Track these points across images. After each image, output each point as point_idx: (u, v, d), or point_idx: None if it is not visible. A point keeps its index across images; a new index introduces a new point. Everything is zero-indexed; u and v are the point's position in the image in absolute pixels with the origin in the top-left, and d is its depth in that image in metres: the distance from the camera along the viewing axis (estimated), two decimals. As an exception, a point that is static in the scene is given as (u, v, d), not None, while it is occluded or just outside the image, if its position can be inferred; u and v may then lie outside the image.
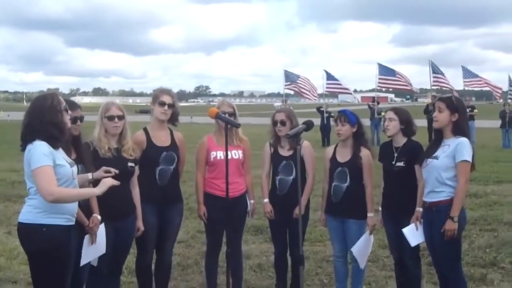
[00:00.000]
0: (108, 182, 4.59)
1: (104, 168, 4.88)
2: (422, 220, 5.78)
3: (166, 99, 6.01)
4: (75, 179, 4.59)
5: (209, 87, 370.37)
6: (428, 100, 35.84)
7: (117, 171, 4.87)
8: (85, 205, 4.99)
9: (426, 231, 5.67)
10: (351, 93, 32.85)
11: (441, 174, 5.44)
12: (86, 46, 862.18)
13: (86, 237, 5.03)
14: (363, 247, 6.19)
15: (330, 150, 6.42)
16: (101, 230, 5.24)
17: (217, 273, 6.61)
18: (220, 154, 6.20)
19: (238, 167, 6.32)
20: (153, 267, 6.27)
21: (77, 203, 4.61)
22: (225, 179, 5.25)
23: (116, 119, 5.51)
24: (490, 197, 12.81)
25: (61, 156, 4.49)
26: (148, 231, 5.85)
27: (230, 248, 5.58)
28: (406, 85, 28.12)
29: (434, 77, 27.09)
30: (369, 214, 6.15)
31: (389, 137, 6.14)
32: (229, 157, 5.62)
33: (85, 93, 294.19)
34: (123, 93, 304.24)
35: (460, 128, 5.53)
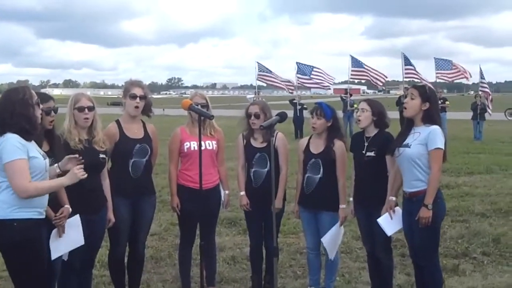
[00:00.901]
0: (78, 174, 4.53)
1: (68, 156, 4.79)
2: (397, 209, 5.82)
3: (137, 91, 5.95)
4: (47, 171, 4.55)
5: (182, 79, 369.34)
6: (400, 92, 36.12)
7: (81, 158, 4.75)
8: (53, 198, 4.91)
9: (406, 222, 5.69)
10: (324, 86, 32.75)
11: (416, 162, 5.45)
12: (57, 37, 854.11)
13: (54, 230, 4.99)
14: (333, 238, 6.20)
15: (303, 141, 6.42)
16: (77, 221, 5.20)
17: (190, 266, 6.59)
18: (193, 145, 6.17)
19: (212, 158, 6.30)
20: (125, 260, 6.22)
21: (47, 196, 4.56)
22: (199, 171, 5.22)
23: (86, 110, 5.45)
24: (462, 188, 12.96)
25: (34, 148, 4.44)
26: (120, 223, 5.82)
27: (204, 240, 5.56)
28: (377, 78, 28.39)
29: (406, 69, 27.27)
30: (341, 206, 6.16)
31: (361, 128, 6.15)
32: (203, 147, 5.60)
33: (55, 85, 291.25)
34: (94, 85, 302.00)
35: (431, 117, 5.55)
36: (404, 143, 5.56)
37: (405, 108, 5.62)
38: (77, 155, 4.79)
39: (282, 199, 6.31)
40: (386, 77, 29.73)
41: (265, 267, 6.62)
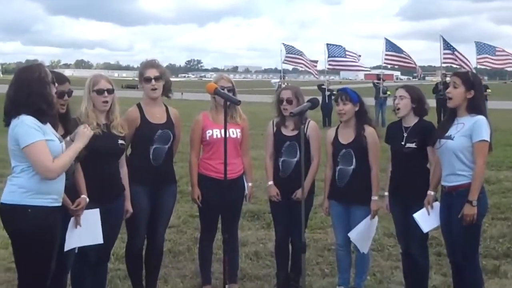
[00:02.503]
0: (86, 131, 4.61)
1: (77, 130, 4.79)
2: (435, 205, 5.82)
3: (151, 72, 5.97)
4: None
5: (201, 61, 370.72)
6: (437, 78, 35.83)
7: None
8: (71, 186, 4.98)
9: (444, 217, 5.68)
10: (360, 69, 32.42)
11: (458, 155, 5.44)
12: (69, 14, 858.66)
13: (72, 220, 5.04)
14: (363, 232, 6.20)
15: (331, 133, 6.41)
16: (95, 216, 5.26)
17: (211, 261, 6.64)
18: (216, 133, 6.20)
19: (236, 147, 6.32)
20: (143, 253, 6.27)
21: (63, 182, 4.60)
22: (223, 160, 5.22)
23: (106, 93, 5.48)
24: (503, 184, 12.86)
25: (50, 131, 4.49)
26: (139, 214, 5.87)
27: (226, 233, 5.59)
28: (412, 64, 28.18)
29: (445, 53, 27.03)
30: (373, 197, 6.16)
31: (399, 117, 6.12)
32: (227, 135, 5.61)
33: (67, 66, 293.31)
34: (108, 66, 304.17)
35: (476, 106, 5.51)
36: (447, 134, 5.54)
37: (449, 99, 5.58)
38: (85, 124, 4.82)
39: (309, 191, 6.32)
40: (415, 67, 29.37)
41: (290, 264, 6.65)
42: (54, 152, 4.41)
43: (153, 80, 5.95)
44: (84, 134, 4.61)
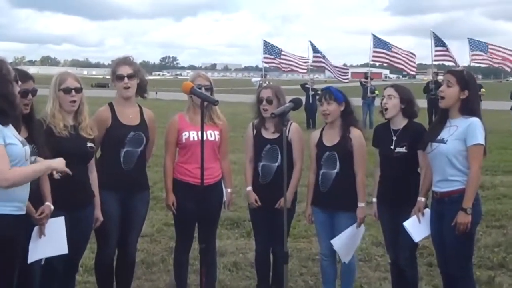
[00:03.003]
0: (61, 163, 4.56)
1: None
2: (426, 212, 5.83)
3: (124, 70, 5.97)
4: (28, 160, 4.53)
5: (177, 59, 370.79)
6: (428, 77, 36.04)
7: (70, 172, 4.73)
8: (34, 192, 4.93)
9: (435, 225, 5.70)
10: (340, 73, 32.45)
11: (451, 159, 5.45)
12: (34, 7, 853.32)
13: (35, 229, 5.00)
14: (347, 240, 6.18)
15: (315, 134, 6.42)
16: (60, 224, 5.22)
17: (187, 272, 6.62)
18: (193, 135, 6.19)
19: (214, 150, 6.31)
20: (114, 264, 6.25)
21: (28, 189, 4.56)
22: (200, 164, 5.20)
23: (73, 92, 5.46)
24: (499, 189, 12.93)
25: (12, 134, 4.42)
26: (109, 222, 5.84)
27: (203, 243, 5.58)
28: (405, 64, 28.18)
29: (436, 50, 27.19)
30: (359, 204, 6.15)
31: (387, 119, 6.14)
32: (204, 138, 5.59)
33: (31, 63, 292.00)
34: (77, 63, 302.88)
35: (470, 107, 5.53)
36: (439, 137, 5.55)
37: (442, 98, 5.59)
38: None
39: (292, 199, 6.33)
40: (413, 62, 29.34)
41: (272, 275, 6.65)
42: (16, 157, 4.36)
43: (126, 78, 5.94)
44: (63, 163, 4.57)
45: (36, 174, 4.54)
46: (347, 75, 32.33)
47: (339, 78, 30.91)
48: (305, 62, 30.73)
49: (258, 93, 6.48)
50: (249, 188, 6.50)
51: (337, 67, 30.73)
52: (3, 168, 4.21)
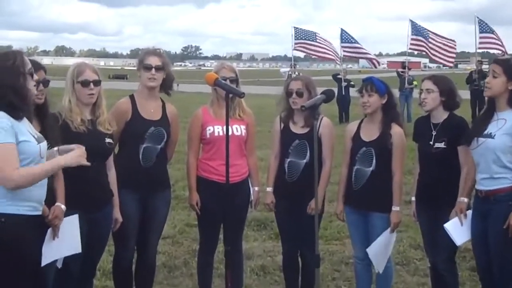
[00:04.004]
0: (80, 157, 4.54)
1: (73, 146, 4.72)
2: (469, 214, 5.79)
3: (153, 61, 6.01)
4: (44, 157, 4.54)
5: (200, 48, 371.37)
6: (472, 66, 35.72)
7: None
8: (48, 191, 4.98)
9: (479, 226, 5.65)
10: (373, 60, 32.31)
11: (499, 156, 5.40)
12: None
13: (49, 231, 5.04)
14: (381, 248, 6.17)
15: (352, 126, 6.40)
16: (74, 223, 5.27)
17: (211, 276, 6.65)
18: (218, 130, 6.21)
19: (240, 146, 6.33)
20: (133, 268, 6.31)
21: (45, 188, 4.58)
22: (225, 161, 5.23)
23: (92, 85, 5.50)
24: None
25: (26, 129, 4.44)
26: (128, 223, 5.89)
27: (229, 245, 5.60)
28: (442, 54, 27.83)
29: (481, 37, 26.90)
30: (394, 208, 6.10)
31: (426, 112, 6.13)
32: (230, 133, 5.61)
33: (45, 53, 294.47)
34: (93, 54, 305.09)
35: None
36: (486, 132, 5.51)
37: (488, 88, 5.54)
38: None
39: (322, 199, 6.33)
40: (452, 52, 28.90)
41: (301, 280, 6.65)
42: (30, 155, 4.39)
43: (153, 69, 5.99)
44: (77, 158, 4.54)
45: (46, 173, 4.51)
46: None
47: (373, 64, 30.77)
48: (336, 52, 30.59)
49: (287, 85, 6.45)
50: (269, 189, 6.50)
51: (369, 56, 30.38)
52: (8, 168, 4.23)
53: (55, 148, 4.77)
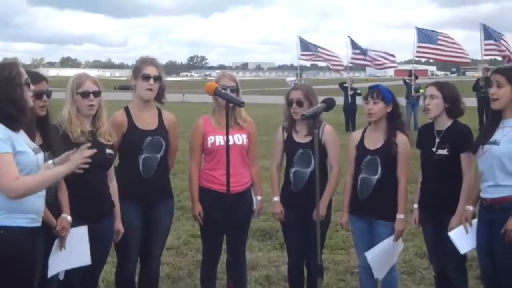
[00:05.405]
0: (78, 161, 4.56)
1: (68, 153, 4.75)
2: (474, 222, 5.76)
3: (151, 70, 6.02)
4: (40, 168, 4.56)
5: (206, 58, 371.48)
6: (478, 73, 35.64)
7: (90, 150, 4.70)
8: (53, 203, 5.01)
9: (484, 234, 5.63)
10: (383, 67, 32.34)
11: (504, 162, 5.38)
12: (53, 5, 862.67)
13: (56, 242, 5.07)
14: (382, 254, 6.14)
15: (356, 135, 6.40)
16: (83, 234, 5.29)
17: (215, 287, 6.64)
18: (219, 139, 6.21)
19: (242, 155, 6.34)
20: (136, 279, 6.31)
21: (43, 199, 4.60)
22: (226, 170, 5.24)
23: (91, 96, 5.51)
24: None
25: (22, 141, 4.46)
26: (130, 234, 5.89)
27: (231, 256, 5.60)
28: (456, 55, 27.72)
29: (486, 44, 26.82)
30: (398, 216, 6.09)
31: (430, 119, 6.13)
32: (231, 142, 5.61)
33: (51, 64, 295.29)
34: (99, 65, 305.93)
35: None
36: (491, 139, 5.50)
37: (495, 100, 5.50)
38: (85, 146, 4.73)
39: (326, 207, 6.32)
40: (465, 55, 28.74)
41: (305, 289, 6.64)
42: (27, 166, 4.40)
43: (151, 79, 5.99)
44: (76, 163, 4.56)
45: (45, 183, 4.52)
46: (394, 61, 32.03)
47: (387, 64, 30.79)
48: (339, 61, 30.70)
49: (287, 94, 6.44)
50: (276, 199, 6.47)
51: (382, 54, 30.34)
52: (9, 178, 4.25)
53: (50, 161, 4.80)
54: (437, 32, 28.16)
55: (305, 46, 30.09)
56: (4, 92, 4.36)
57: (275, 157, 6.57)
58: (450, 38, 27.84)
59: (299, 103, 6.29)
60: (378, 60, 29.91)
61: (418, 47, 27.94)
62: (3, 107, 4.35)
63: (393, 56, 30.17)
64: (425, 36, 28.06)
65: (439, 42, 27.54)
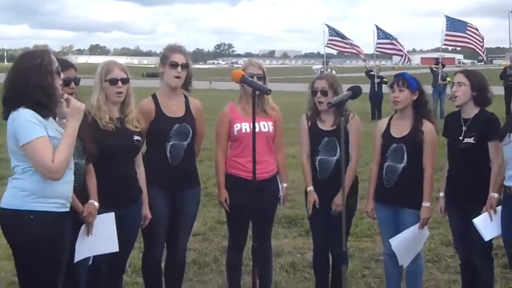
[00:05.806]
0: (75, 104, 4.57)
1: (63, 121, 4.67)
2: (499, 209, 5.74)
3: (179, 58, 6.02)
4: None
5: (233, 46, 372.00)
6: (506, 62, 35.31)
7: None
8: (81, 189, 5.05)
9: (505, 223, 5.61)
10: (405, 56, 32.12)
11: None
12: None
13: (83, 227, 5.10)
14: (407, 241, 6.12)
15: (382, 123, 6.37)
16: (110, 220, 5.33)
17: (241, 273, 6.67)
18: (245, 127, 6.22)
19: (268, 143, 6.33)
20: (163, 265, 6.34)
21: (71, 185, 4.64)
22: (252, 157, 5.25)
23: (120, 83, 5.53)
24: None
25: (53, 127, 4.51)
26: (157, 220, 5.91)
27: (257, 242, 5.60)
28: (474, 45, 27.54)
29: (516, 32, 26.55)
30: (424, 204, 6.07)
31: (457, 106, 6.08)
32: (257, 129, 5.60)
33: (80, 52, 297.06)
34: (127, 52, 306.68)
35: None
36: None
37: None
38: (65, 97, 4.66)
39: (346, 195, 6.28)
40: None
41: (331, 276, 6.63)
42: None
43: (179, 67, 5.99)
44: (76, 108, 4.57)
45: (69, 145, 4.46)
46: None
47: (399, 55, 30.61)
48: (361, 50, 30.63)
49: (312, 84, 6.41)
50: (310, 188, 6.42)
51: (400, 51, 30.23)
52: (49, 160, 4.31)
53: (64, 120, 4.69)
54: (466, 22, 27.91)
55: (333, 32, 29.95)
56: (35, 80, 4.39)
57: (303, 147, 6.51)
58: (477, 30, 27.61)
59: (324, 93, 6.27)
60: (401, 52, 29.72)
61: (447, 35, 27.73)
62: (34, 94, 4.38)
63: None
64: (454, 24, 27.83)
65: (467, 32, 27.32)
